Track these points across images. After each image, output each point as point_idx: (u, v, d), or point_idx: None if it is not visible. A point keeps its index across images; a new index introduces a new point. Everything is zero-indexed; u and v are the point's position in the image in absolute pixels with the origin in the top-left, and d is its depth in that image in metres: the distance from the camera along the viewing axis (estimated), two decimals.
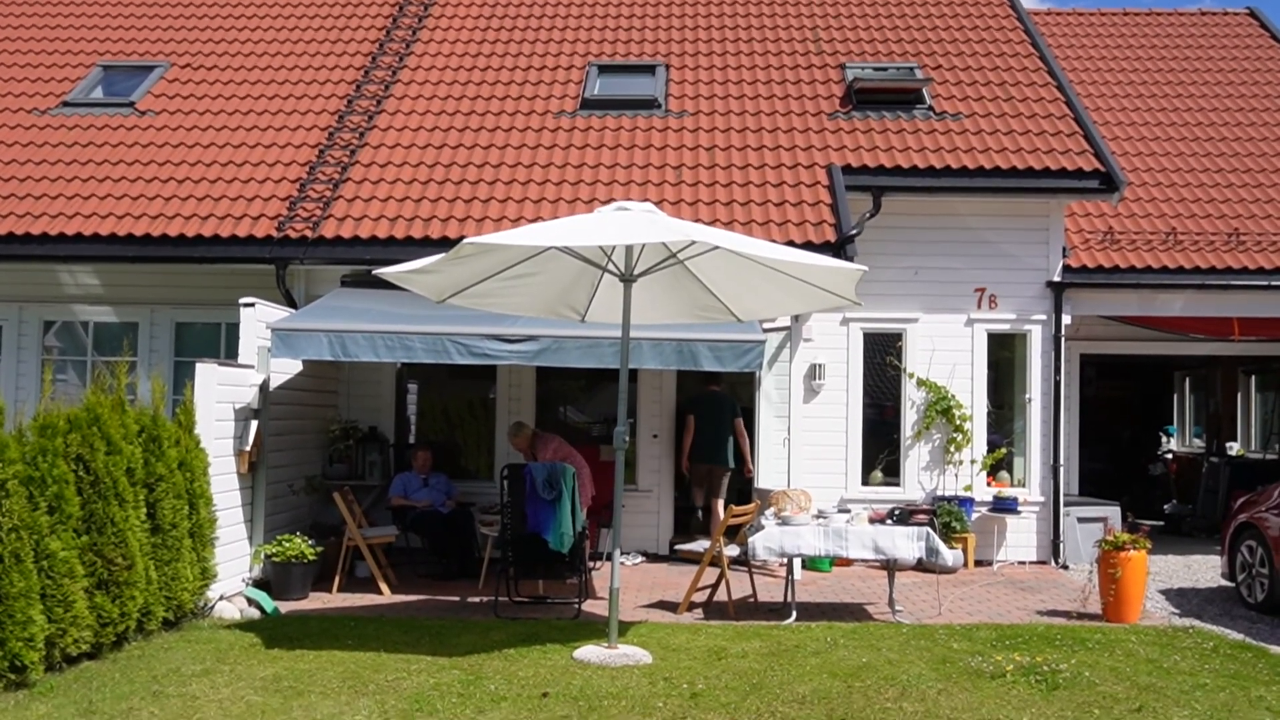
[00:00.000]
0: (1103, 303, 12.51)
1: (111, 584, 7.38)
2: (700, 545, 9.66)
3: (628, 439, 7.41)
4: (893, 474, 12.46)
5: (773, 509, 9.43)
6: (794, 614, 8.94)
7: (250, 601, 9.11)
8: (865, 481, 12.37)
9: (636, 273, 7.94)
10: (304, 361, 11.19)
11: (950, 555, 8.73)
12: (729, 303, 8.47)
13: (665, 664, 7.42)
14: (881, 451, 12.54)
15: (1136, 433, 19.31)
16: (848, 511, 9.21)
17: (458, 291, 8.05)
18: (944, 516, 11.58)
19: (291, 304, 11.27)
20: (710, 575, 9.46)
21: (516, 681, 6.91)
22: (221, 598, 8.98)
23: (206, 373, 9.23)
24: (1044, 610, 9.59)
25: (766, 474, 12.26)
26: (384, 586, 10.05)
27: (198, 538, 8.59)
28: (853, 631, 8.46)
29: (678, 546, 9.55)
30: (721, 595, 9.75)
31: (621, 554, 12.08)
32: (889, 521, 9.06)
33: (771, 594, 10.13)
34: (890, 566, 9.22)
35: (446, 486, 11.33)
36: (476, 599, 9.87)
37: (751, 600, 9.64)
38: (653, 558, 12.28)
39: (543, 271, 8.18)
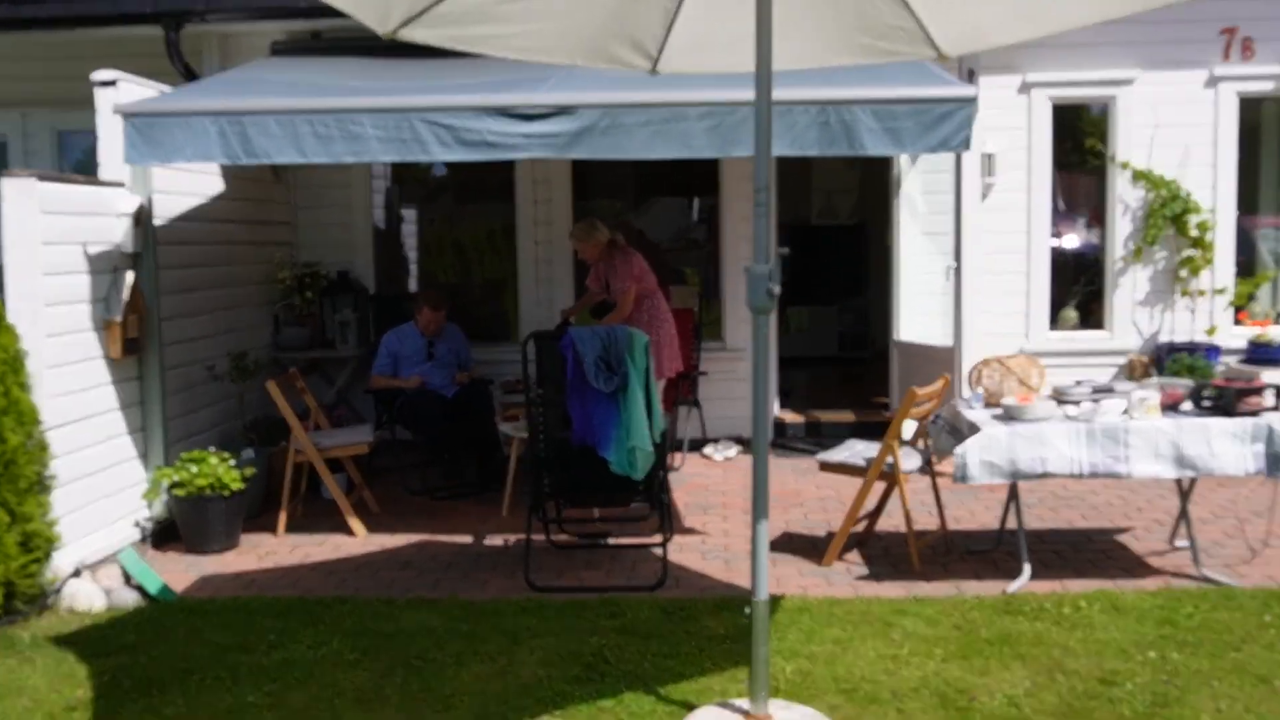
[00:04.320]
0: None
1: None
2: (852, 450, 5.95)
3: (777, 291, 3.60)
4: (1093, 314, 8.63)
5: (974, 391, 5.67)
6: (1027, 568, 5.28)
7: (127, 578, 5.54)
8: (1054, 324, 8.55)
9: None
10: (226, 172, 7.39)
11: None
12: (927, 19, 4.44)
13: None
14: (1077, 281, 8.68)
15: None
16: (1110, 391, 5.43)
17: (421, 11, 4.08)
18: (1180, 372, 7.79)
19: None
20: (871, 497, 5.78)
21: None
22: (77, 571, 5.43)
23: (19, 195, 5.46)
24: None
25: (910, 320, 8.46)
26: (355, 523, 6.47)
27: (9, 478, 4.99)
28: (1163, 609, 4.82)
29: (823, 458, 5.80)
30: (886, 523, 6.13)
31: (710, 443, 8.45)
32: (1188, 407, 5.29)
33: (956, 513, 6.48)
34: (1183, 487, 5.47)
35: (459, 352, 7.64)
36: (499, 540, 6.30)
37: (940, 535, 5.97)
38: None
39: None
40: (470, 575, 5.64)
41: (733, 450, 8.41)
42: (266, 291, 8.34)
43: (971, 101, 5.18)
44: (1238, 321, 8.39)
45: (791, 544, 6.08)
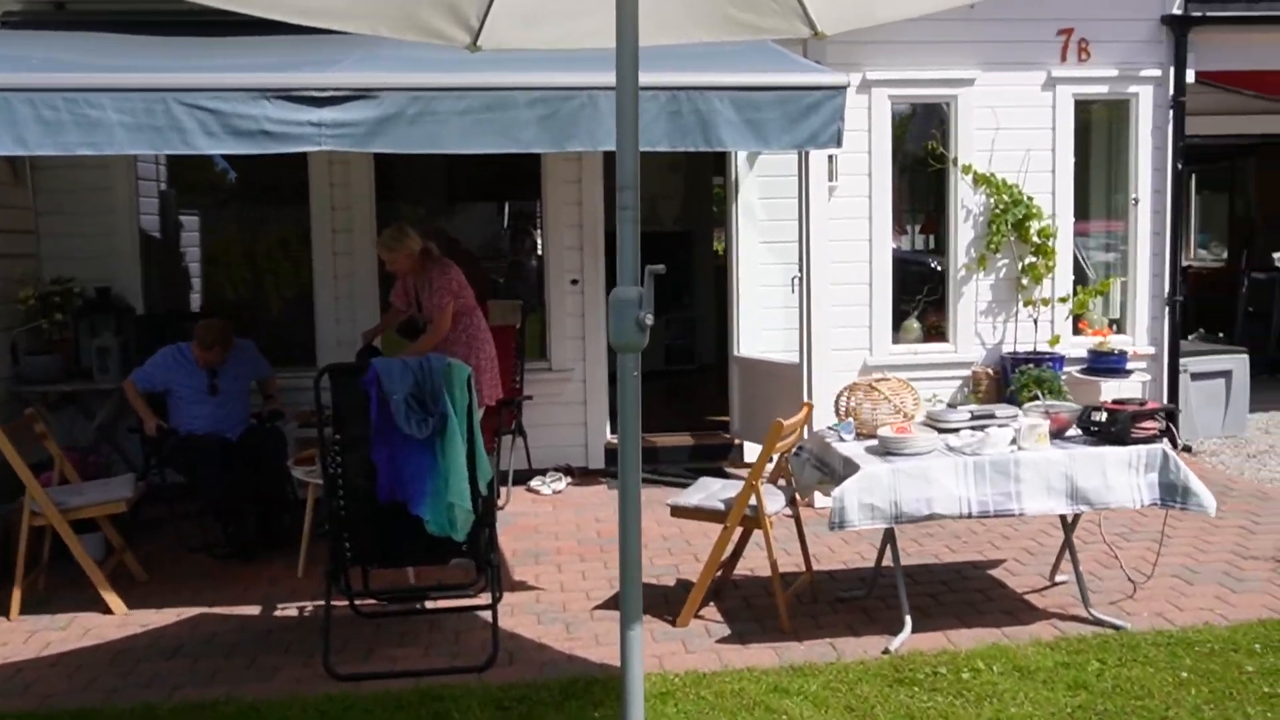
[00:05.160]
0: (1238, 50, 8.23)
1: None
2: (708, 491, 5.20)
3: (649, 321, 2.75)
4: (935, 325, 8.21)
5: (843, 421, 5.02)
6: (908, 621, 4.65)
7: None
8: (896, 338, 8.09)
9: None
10: None
11: (1207, 495, 4.52)
12: None
13: None
14: (920, 291, 8.24)
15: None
16: (990, 417, 4.87)
17: None
18: (1028, 385, 7.43)
19: None
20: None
21: None
22: None
23: None
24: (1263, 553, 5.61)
25: (750, 334, 7.86)
26: (111, 598, 5.31)
27: None
28: (1068, 667, 4.25)
29: (675, 502, 5.02)
30: (747, 564, 5.45)
31: (537, 475, 7.61)
32: (1075, 433, 4.78)
33: (814, 548, 5.83)
34: (1067, 521, 4.96)
35: (253, 374, 6.56)
36: (293, 610, 5.28)
37: (806, 582, 5.28)
38: (582, 476, 7.85)
39: None
40: (257, 662, 4.62)
41: (562, 483, 7.58)
42: (4, 314, 7.03)
43: (843, 90, 4.52)
44: (1077, 330, 8.12)
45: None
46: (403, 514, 4.42)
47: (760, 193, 7.91)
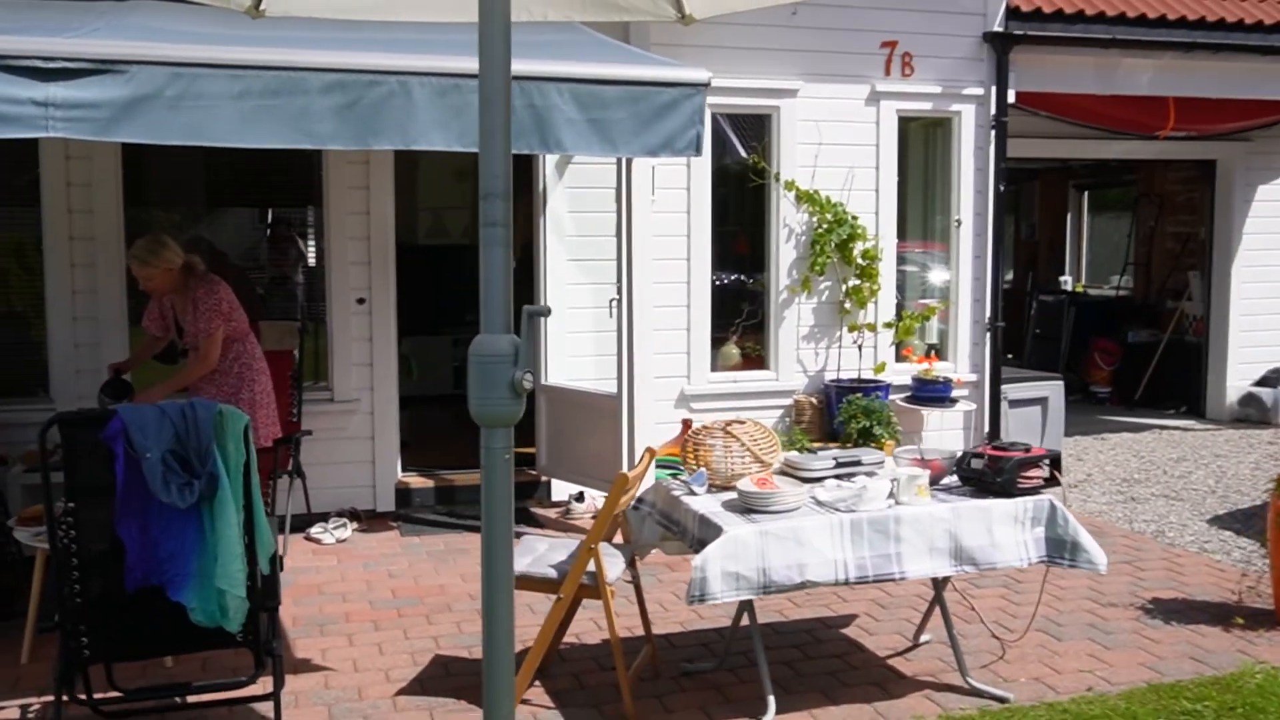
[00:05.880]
0: (1055, 71, 8.12)
1: None
2: (535, 554, 4.39)
3: (528, 386, 1.98)
4: (753, 350, 7.72)
5: (694, 470, 4.35)
6: (771, 702, 4.03)
7: None
8: (716, 364, 7.54)
9: None
10: None
11: (1097, 550, 4.10)
12: None
13: None
14: (737, 314, 7.72)
15: None
16: (855, 464, 4.31)
17: None
18: (856, 416, 7.03)
19: None
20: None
21: None
22: None
23: None
24: (1116, 600, 5.32)
25: (558, 361, 7.17)
26: None
27: None
28: None
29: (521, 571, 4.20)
30: (574, 629, 4.73)
31: (318, 522, 6.66)
32: (951, 480, 4.29)
33: (652, 610, 5.15)
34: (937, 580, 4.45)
35: None
36: (13, 708, 4.19)
37: (648, 656, 4.58)
38: (369, 520, 6.92)
39: None
40: None
41: (347, 529, 6.63)
42: None
43: (703, 88, 3.87)
44: (901, 357, 7.79)
45: (450, 676, 4.49)
46: (159, 598, 3.47)
47: (570, 205, 7.21)
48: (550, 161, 7.09)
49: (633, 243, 6.14)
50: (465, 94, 3.60)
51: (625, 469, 6.48)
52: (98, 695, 3.82)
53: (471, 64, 3.50)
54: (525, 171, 7.17)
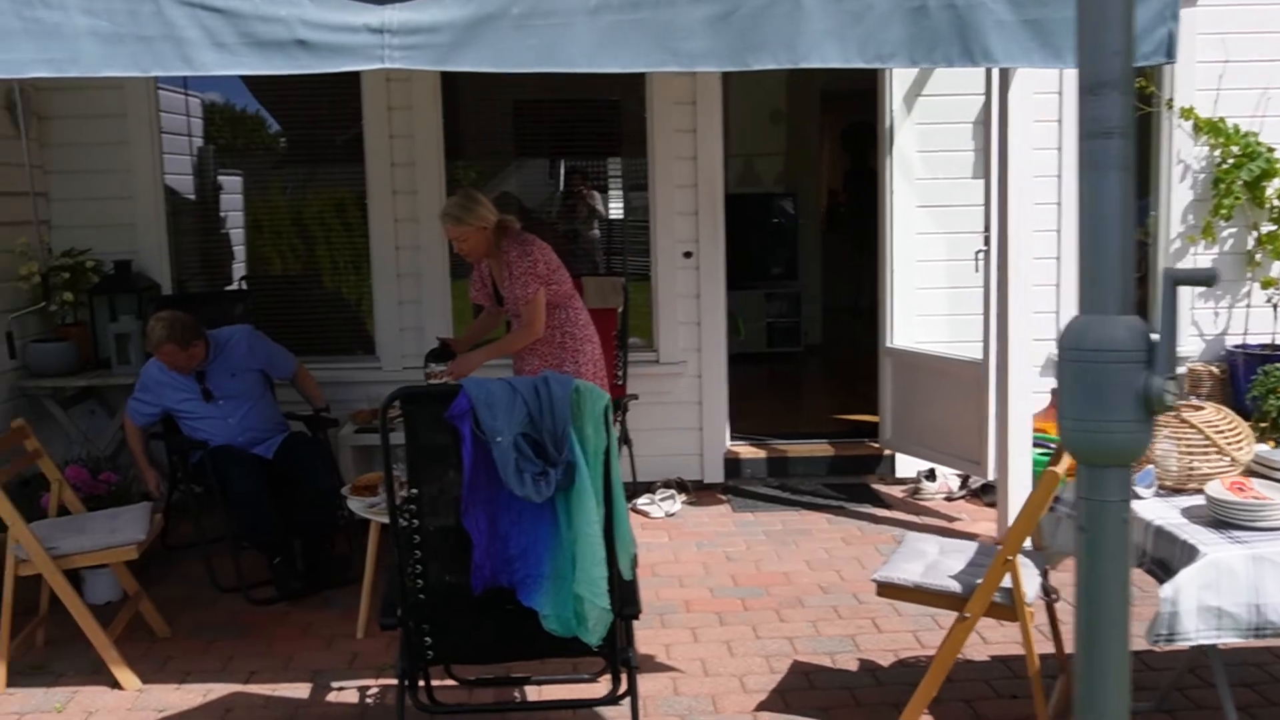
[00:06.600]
0: None
1: None
2: (926, 561, 3.64)
3: (1170, 399, 1.32)
4: (1139, 308, 6.62)
5: (1138, 472, 3.47)
6: None
7: None
8: None
9: None
10: None
11: None
12: None
13: None
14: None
15: None
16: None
17: None
18: (1274, 390, 5.82)
19: None
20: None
21: None
22: None
23: None
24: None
25: (906, 321, 6.37)
26: (122, 673, 3.97)
27: None
28: None
29: (885, 577, 3.48)
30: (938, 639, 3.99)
31: (645, 493, 6.19)
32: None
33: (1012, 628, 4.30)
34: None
35: (261, 367, 5.23)
36: (352, 691, 3.91)
37: (1063, 682, 3.77)
38: (698, 491, 6.40)
39: None
40: None
41: (675, 502, 6.13)
42: (3, 294, 5.73)
43: None
44: None
45: (814, 690, 3.85)
46: (507, 602, 3.00)
47: (920, 143, 6.36)
48: (899, 93, 6.26)
49: (1008, 183, 5.23)
50: None
51: (991, 446, 5.63)
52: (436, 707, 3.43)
53: None
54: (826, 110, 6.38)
